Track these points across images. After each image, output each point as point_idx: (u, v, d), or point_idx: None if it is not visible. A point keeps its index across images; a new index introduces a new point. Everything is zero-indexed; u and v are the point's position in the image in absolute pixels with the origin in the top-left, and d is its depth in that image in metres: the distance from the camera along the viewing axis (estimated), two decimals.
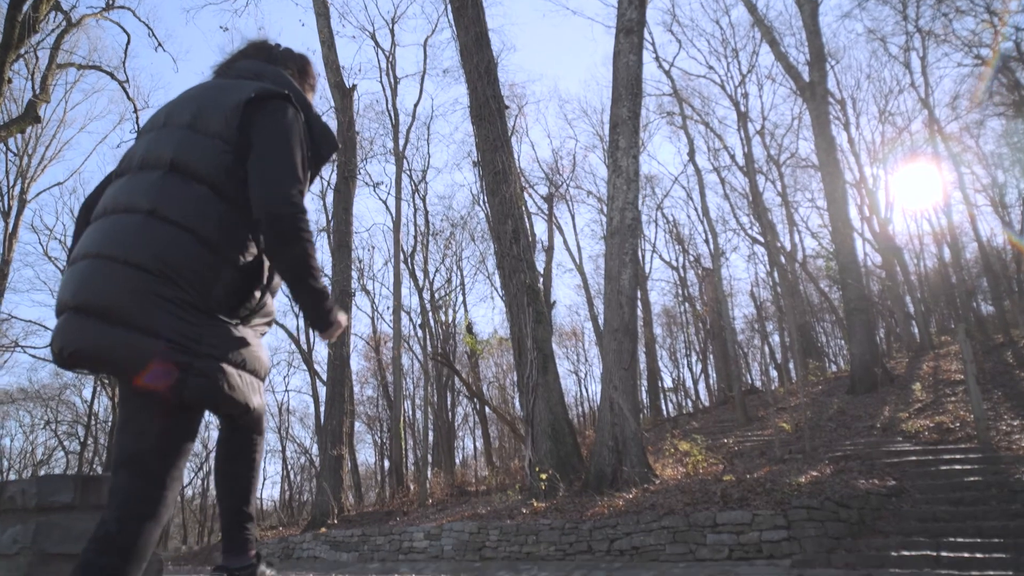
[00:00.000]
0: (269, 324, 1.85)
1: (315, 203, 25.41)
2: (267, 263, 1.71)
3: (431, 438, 27.87)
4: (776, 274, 25.60)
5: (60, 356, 1.51)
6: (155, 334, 1.46)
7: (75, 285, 1.53)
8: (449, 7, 12.55)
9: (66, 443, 33.71)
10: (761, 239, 26.02)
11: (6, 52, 11.07)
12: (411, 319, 27.10)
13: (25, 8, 11.63)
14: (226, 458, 1.86)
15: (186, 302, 1.51)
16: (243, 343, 1.63)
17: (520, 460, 14.71)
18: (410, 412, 29.90)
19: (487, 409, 23.84)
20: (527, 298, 10.76)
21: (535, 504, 8.85)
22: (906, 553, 5.83)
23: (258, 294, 1.71)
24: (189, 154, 1.63)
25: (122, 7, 17.77)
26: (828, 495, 6.72)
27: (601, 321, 15.54)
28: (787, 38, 23.09)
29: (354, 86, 15.70)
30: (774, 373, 29.91)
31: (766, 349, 31.19)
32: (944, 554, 5.69)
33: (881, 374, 14.70)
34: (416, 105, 36.39)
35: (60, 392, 33.86)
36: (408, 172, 25.61)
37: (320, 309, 1.69)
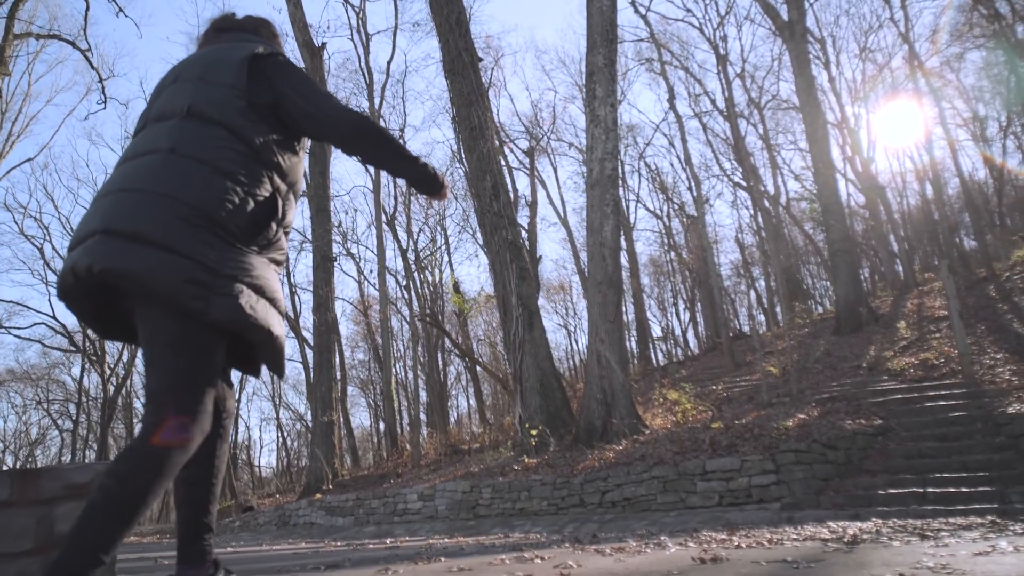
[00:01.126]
0: (281, 263, 1.90)
1: None
2: (281, 200, 1.83)
3: (424, 399, 28.05)
4: (760, 218, 25.56)
5: (88, 272, 1.55)
6: (181, 253, 1.56)
7: (103, 214, 1.62)
8: None
9: (59, 422, 33.75)
10: (744, 184, 25.93)
11: None
12: (397, 281, 26.99)
13: None
14: (186, 462, 1.79)
15: (207, 228, 1.62)
16: (261, 269, 1.73)
17: (512, 416, 14.79)
18: (402, 374, 29.99)
19: (478, 368, 23.89)
20: (510, 255, 10.65)
21: (526, 460, 8.88)
22: (893, 491, 5.88)
23: (274, 226, 1.80)
24: (204, 102, 1.77)
25: None
26: (815, 437, 6.75)
27: (588, 274, 15.46)
28: None
29: (323, 44, 15.29)
30: (761, 318, 30.14)
31: (752, 294, 31.37)
32: (930, 490, 5.74)
33: (866, 314, 14.77)
34: (389, 62, 35.75)
35: (49, 371, 33.75)
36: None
37: (428, 174, 2.00)
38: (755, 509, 6.10)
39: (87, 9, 18.38)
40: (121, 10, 17.23)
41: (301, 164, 1.99)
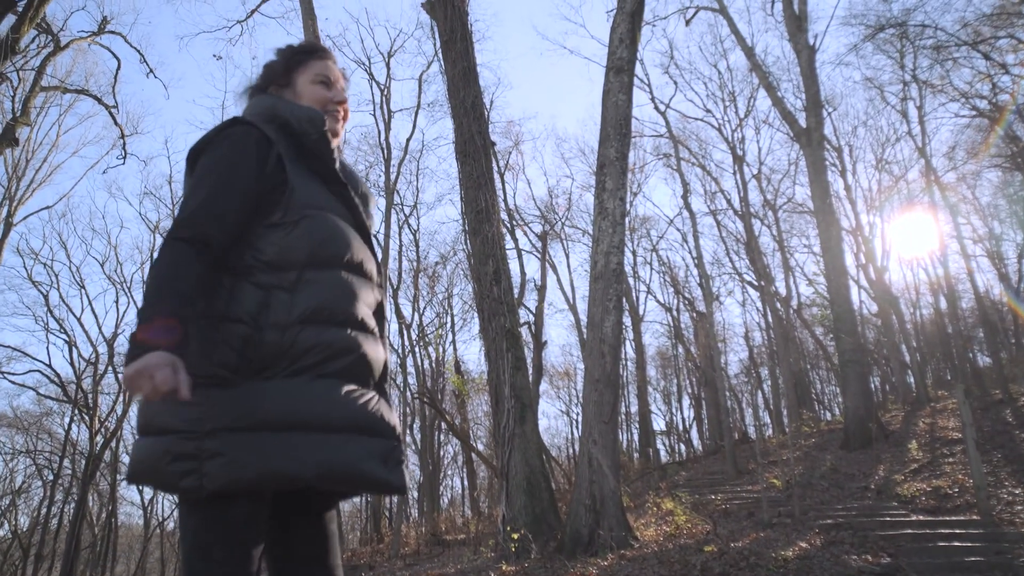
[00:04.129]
0: (334, 372, 1.48)
1: None
2: (262, 296, 1.46)
3: (418, 476, 27.16)
4: (771, 320, 25.19)
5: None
6: (158, 432, 1.37)
7: None
8: (438, 40, 12.29)
9: (44, 472, 32.96)
10: (756, 284, 25.68)
11: None
12: (399, 355, 26.60)
13: (2, 30, 11.35)
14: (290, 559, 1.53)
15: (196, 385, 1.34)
16: (270, 399, 1.39)
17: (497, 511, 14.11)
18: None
19: (472, 453, 23.17)
20: (506, 343, 10.28)
21: (504, 567, 8.26)
22: None
23: (271, 333, 1.43)
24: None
25: (113, 32, 17.55)
26: (817, 574, 6.18)
27: (585, 370, 15.05)
28: (784, 83, 23.07)
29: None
30: (768, 419, 29.38)
31: (759, 395, 30.67)
32: None
33: (876, 429, 14.17)
34: (408, 139, 36.27)
35: (40, 419, 33.20)
36: (400, 207, 25.32)
37: (134, 338, 1.32)
38: None
39: (118, 68, 18.71)
40: (151, 71, 17.67)
41: (291, 236, 1.52)
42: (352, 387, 1.49)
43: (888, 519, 8.38)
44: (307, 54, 1.78)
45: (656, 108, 24.42)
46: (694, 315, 29.08)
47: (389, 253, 21.60)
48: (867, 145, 27.24)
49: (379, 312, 1.65)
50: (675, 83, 26.78)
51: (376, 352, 1.57)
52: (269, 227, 1.51)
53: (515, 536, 8.71)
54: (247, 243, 1.50)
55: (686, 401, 32.13)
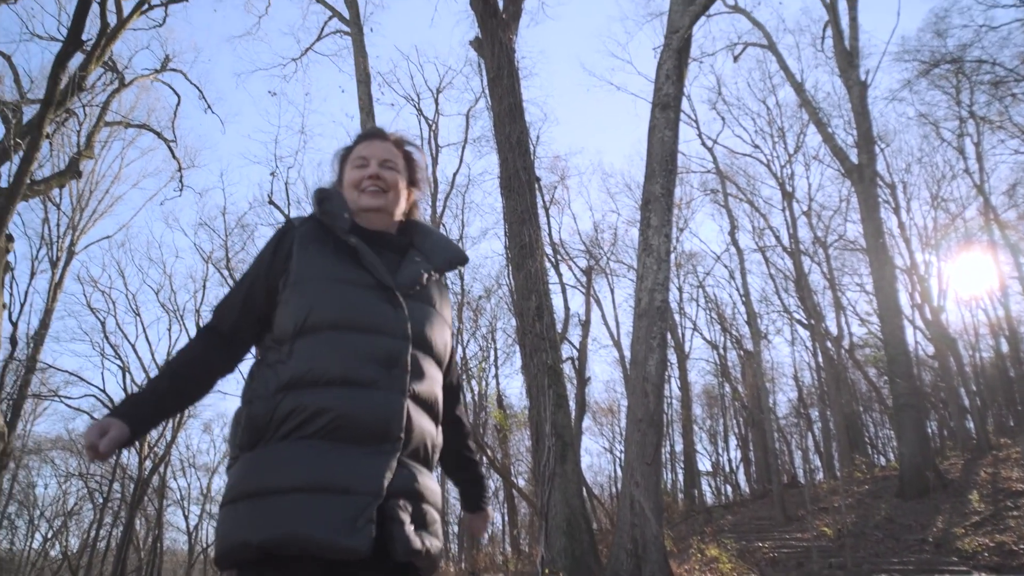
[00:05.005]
0: (331, 424, 1.49)
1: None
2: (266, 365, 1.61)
3: (458, 511, 26.89)
4: (821, 359, 24.52)
5: None
6: None
7: None
8: (485, 77, 12.43)
9: (95, 495, 33.67)
10: (805, 322, 25.08)
11: (46, 109, 11.20)
12: None
13: (72, 67, 11.85)
14: None
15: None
16: (239, 471, 1.49)
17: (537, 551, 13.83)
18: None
19: (513, 490, 22.89)
20: (548, 380, 10.15)
21: None
22: None
23: (259, 407, 1.52)
24: None
25: (175, 69, 18.20)
26: None
27: (628, 409, 14.82)
28: (835, 119, 22.58)
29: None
30: (818, 462, 28.42)
31: (810, 438, 29.74)
32: None
33: (933, 478, 13.55)
34: (455, 174, 36.48)
35: None
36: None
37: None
38: None
39: (178, 103, 19.62)
40: (209, 107, 18.20)
41: (286, 310, 1.63)
42: (330, 445, 1.47)
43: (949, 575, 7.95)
44: (355, 143, 1.91)
45: (703, 143, 24.22)
46: (741, 353, 28.47)
47: None
48: (922, 182, 26.50)
49: (393, 361, 1.58)
50: (723, 118, 26.48)
51: (368, 405, 1.52)
52: (279, 308, 1.64)
53: None
54: (268, 328, 1.67)
55: (732, 441, 31.36)
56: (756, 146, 25.20)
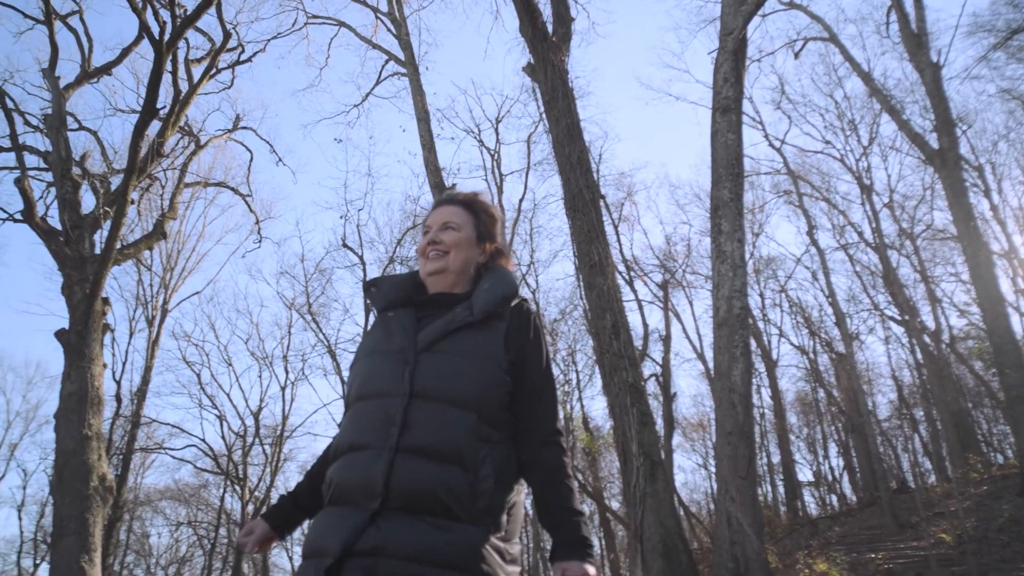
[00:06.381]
0: (336, 491, 1.78)
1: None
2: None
3: (547, 543, 26.54)
4: (920, 356, 23.29)
5: None
6: None
7: None
8: (540, 101, 12.48)
9: (204, 541, 34.95)
10: (899, 319, 23.90)
11: (129, 176, 11.83)
12: None
13: (150, 135, 12.53)
14: None
15: None
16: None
17: None
18: (533, 511, 28.78)
19: (607, 513, 22.51)
20: (630, 398, 9.94)
21: None
22: None
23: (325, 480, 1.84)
24: None
25: (245, 127, 19.02)
26: None
27: (716, 422, 14.40)
28: (909, 105, 21.57)
29: (453, 185, 15.93)
30: (928, 464, 26.88)
31: (916, 440, 28.17)
32: None
33: None
34: (521, 200, 36.71)
35: (198, 491, 35.34)
36: (518, 267, 25.57)
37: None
38: None
39: (251, 159, 20.42)
40: (280, 159, 18.92)
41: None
42: (332, 509, 1.66)
43: None
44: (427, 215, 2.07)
45: (771, 145, 23.59)
46: (833, 356, 27.31)
47: None
48: (1011, 161, 24.97)
49: (390, 419, 1.65)
50: (789, 117, 25.71)
51: (356, 466, 1.63)
52: None
53: None
54: None
55: (833, 449, 29.96)
56: (827, 142, 24.35)
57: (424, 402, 1.65)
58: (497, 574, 1.54)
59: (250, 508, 29.35)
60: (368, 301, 1.94)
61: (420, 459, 1.59)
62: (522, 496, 1.75)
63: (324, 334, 26.03)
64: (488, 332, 1.78)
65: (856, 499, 24.84)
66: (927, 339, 23.15)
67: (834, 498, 28.37)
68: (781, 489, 27.31)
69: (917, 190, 24.48)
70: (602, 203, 11.71)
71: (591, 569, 1.56)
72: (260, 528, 1.81)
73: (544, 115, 12.45)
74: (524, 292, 27.85)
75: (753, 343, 21.92)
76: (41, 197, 13.24)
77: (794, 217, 30.34)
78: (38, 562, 29.09)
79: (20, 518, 32.10)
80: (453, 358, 1.72)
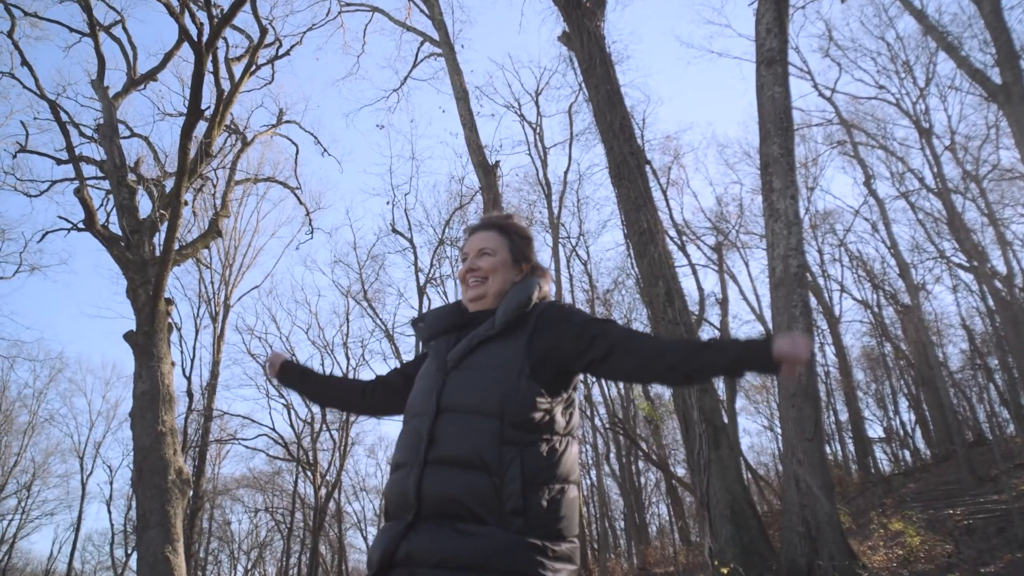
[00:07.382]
0: (387, 507, 1.95)
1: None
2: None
3: (621, 507, 26.59)
4: (992, 302, 22.38)
5: None
6: None
7: None
8: (578, 69, 12.27)
9: (281, 526, 36.20)
10: (967, 265, 22.98)
11: (181, 178, 12.11)
12: (586, 386, 26.41)
13: (198, 136, 12.78)
14: None
15: None
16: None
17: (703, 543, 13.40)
18: (597, 481, 28.84)
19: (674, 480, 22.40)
20: None
21: None
22: None
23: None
24: None
25: (289, 121, 19.24)
26: None
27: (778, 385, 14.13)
28: (968, 41, 20.46)
29: (497, 163, 15.83)
30: (1006, 414, 25.92)
31: (991, 390, 27.16)
32: None
33: None
34: (566, 172, 36.32)
35: (272, 478, 36.50)
36: (567, 239, 25.40)
37: None
38: None
39: (296, 152, 20.79)
40: (325, 150, 19.11)
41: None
42: (384, 525, 1.77)
43: None
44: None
45: (821, 94, 22.78)
46: (899, 308, 26.45)
47: (562, 287, 21.72)
48: None
49: (420, 437, 1.76)
50: (839, 64, 24.69)
51: (396, 483, 1.76)
52: None
53: (724, 571, 8.17)
54: None
55: (903, 403, 29.12)
56: (881, 87, 23.37)
57: (449, 416, 1.75)
58: (536, 572, 1.56)
59: (323, 492, 30.21)
60: (417, 336, 2.10)
61: (446, 468, 1.68)
62: (573, 492, 1.73)
63: (381, 319, 26.40)
64: (509, 342, 1.84)
65: (931, 454, 24.13)
66: (998, 284, 22.20)
67: (907, 454, 27.64)
68: (851, 447, 26.71)
69: (980, 129, 23.36)
70: (648, 169, 11.46)
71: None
72: (279, 362, 2.38)
73: (583, 84, 12.24)
74: (575, 267, 27.67)
75: (813, 300, 21.39)
76: (101, 205, 13.64)
77: (850, 168, 29.31)
78: (129, 552, 30.60)
79: (109, 511, 33.84)
80: (474, 372, 1.81)
